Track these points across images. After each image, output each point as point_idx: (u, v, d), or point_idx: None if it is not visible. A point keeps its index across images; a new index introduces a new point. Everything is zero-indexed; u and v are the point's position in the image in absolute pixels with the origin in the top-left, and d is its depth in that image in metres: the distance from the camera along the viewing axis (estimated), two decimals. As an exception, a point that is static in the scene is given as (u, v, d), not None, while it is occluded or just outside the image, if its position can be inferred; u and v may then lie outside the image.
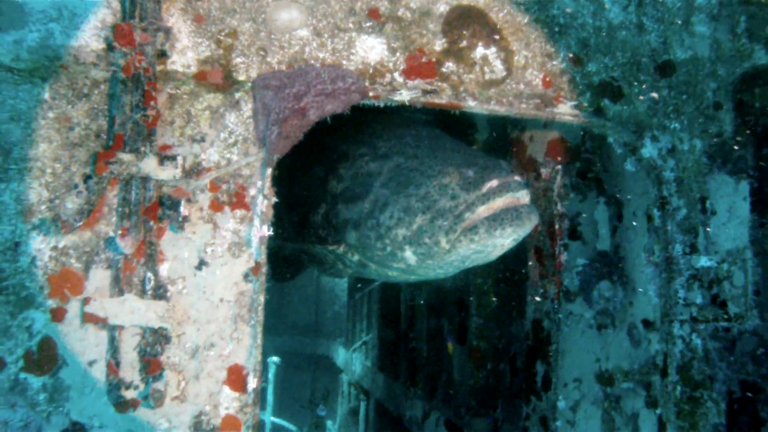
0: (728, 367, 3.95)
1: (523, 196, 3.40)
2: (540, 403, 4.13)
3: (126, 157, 2.60)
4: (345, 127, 3.84)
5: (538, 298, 4.23)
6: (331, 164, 4.12)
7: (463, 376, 6.00)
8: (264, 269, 2.73)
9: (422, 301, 7.14)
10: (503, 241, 3.41)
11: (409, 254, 3.62)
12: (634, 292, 4.00)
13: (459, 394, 6.12)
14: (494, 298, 5.56)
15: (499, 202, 3.36)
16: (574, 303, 4.12)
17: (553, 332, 4.06)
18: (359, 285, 6.47)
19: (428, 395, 6.77)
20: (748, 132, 3.76)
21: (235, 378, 2.69)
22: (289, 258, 4.93)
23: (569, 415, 4.09)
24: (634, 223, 4.04)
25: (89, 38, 2.64)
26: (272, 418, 10.61)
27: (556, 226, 4.09)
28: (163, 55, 2.67)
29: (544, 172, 4.14)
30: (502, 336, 5.54)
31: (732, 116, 3.59)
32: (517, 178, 3.41)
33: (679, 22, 3.53)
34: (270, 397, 10.54)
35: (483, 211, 3.36)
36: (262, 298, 2.73)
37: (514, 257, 5.38)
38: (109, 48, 2.62)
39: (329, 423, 10.45)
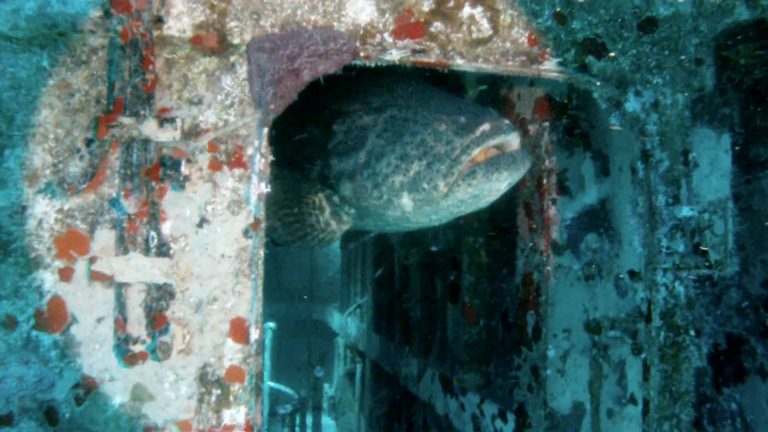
0: (714, 320, 4.11)
1: (514, 138, 3.56)
2: (531, 353, 4.28)
3: (126, 120, 2.68)
4: (337, 87, 3.93)
5: (527, 252, 4.36)
6: (324, 123, 4.22)
7: (457, 333, 6.15)
8: (263, 225, 2.83)
9: (416, 262, 7.26)
10: (499, 185, 3.56)
11: (406, 201, 3.74)
12: (621, 245, 4.13)
13: (453, 351, 6.27)
14: (485, 256, 5.68)
15: (491, 144, 3.50)
16: (563, 256, 4.25)
17: (543, 284, 4.19)
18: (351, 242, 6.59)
19: (423, 354, 6.92)
20: (731, 88, 3.86)
21: (238, 330, 2.81)
22: None
23: (559, 364, 4.24)
24: (620, 177, 4.16)
25: (86, 6, 2.71)
26: (270, 383, 10.81)
27: (544, 182, 4.20)
28: (159, 20, 2.74)
29: (531, 129, 4.24)
30: (493, 292, 5.68)
31: (713, 71, 3.68)
32: (507, 121, 3.54)
33: (661, -21, 3.61)
34: (267, 362, 10.71)
35: (478, 153, 3.47)
36: (261, 253, 2.84)
37: (503, 214, 5.51)
38: (107, 15, 2.69)
39: (326, 386, 10.64)
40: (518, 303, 4.47)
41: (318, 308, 13.53)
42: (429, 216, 3.93)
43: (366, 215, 4.17)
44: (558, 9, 3.35)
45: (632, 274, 4.02)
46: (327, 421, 10.18)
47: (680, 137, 3.61)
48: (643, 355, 3.60)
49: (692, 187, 3.64)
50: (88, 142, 2.74)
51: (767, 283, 4.88)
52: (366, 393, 9.11)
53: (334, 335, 11.54)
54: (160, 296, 2.74)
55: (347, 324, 10.37)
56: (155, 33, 2.74)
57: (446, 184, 3.56)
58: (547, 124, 4.21)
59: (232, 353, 2.82)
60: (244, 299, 2.82)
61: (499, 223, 5.62)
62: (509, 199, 5.45)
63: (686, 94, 3.62)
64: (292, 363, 12.98)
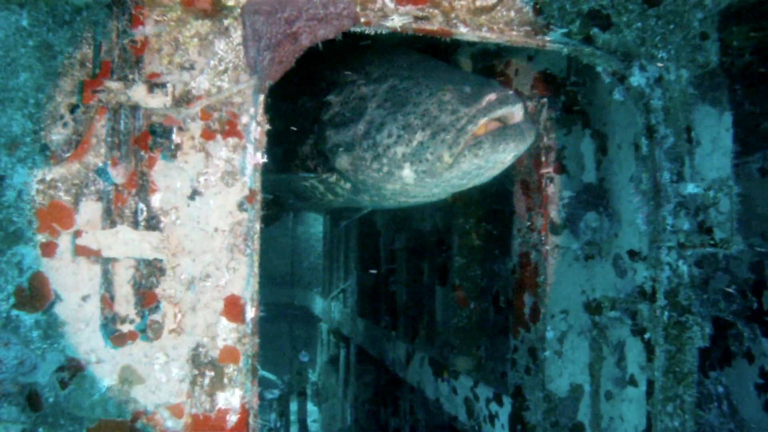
0: (701, 304, 4.03)
1: (519, 110, 3.46)
2: (528, 335, 4.18)
3: (114, 85, 2.52)
4: (333, 57, 3.78)
5: (524, 231, 4.25)
6: (319, 93, 4.07)
7: (446, 316, 6.06)
8: (259, 197, 2.69)
9: (402, 245, 7.15)
10: (505, 156, 3.46)
11: (407, 172, 3.61)
12: (620, 224, 4.03)
13: (442, 335, 6.18)
14: (476, 238, 5.58)
15: (497, 114, 3.39)
16: (561, 235, 4.15)
17: (541, 264, 4.09)
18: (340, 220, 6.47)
19: (410, 337, 6.83)
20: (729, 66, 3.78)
21: (233, 308, 2.67)
22: (270, 201, 4.89)
23: (557, 346, 4.15)
24: (620, 155, 4.06)
25: (70, -39, 2.54)
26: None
27: (543, 159, 4.09)
28: (148, -21, 2.58)
29: (529, 105, 4.12)
30: (484, 275, 5.59)
31: (718, 47, 3.58)
32: (512, 92, 3.43)
33: (667, -51, 3.50)
34: (249, 347, 10.52)
35: (484, 123, 3.35)
36: (257, 227, 2.70)
37: (495, 196, 5.41)
38: (92, -29, 2.53)
39: (309, 370, 10.53)
40: (515, 283, 4.37)
41: (300, 293, 13.39)
42: (430, 189, 3.80)
43: (363, 190, 4.02)
44: (563, -23, 3.23)
45: (632, 253, 3.93)
46: (310, 407, 10.06)
47: (683, 114, 3.52)
48: (647, 335, 3.51)
49: (695, 165, 3.55)
50: (72, 108, 2.58)
51: (755, 267, 4.84)
52: (350, 378, 9.00)
53: (316, 321, 11.40)
54: (149, 272, 2.59)
55: (330, 309, 10.24)
56: (144, -8, 2.57)
57: (451, 154, 3.43)
58: (545, 100, 4.10)
59: (227, 333, 2.68)
60: (239, 276, 2.67)
61: (490, 204, 5.52)
62: (501, 180, 5.37)
63: (690, 69, 3.52)
64: (273, 349, 12.84)
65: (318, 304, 11.36)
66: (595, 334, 4.03)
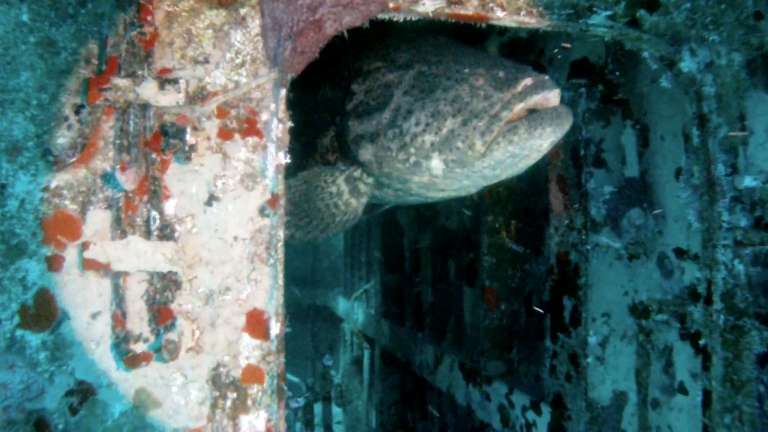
0: (759, 306, 3.73)
1: (556, 96, 3.20)
2: (569, 340, 3.93)
3: (122, 82, 2.30)
4: (356, 44, 3.53)
5: (562, 230, 4.00)
6: (340, 82, 3.83)
7: (475, 318, 5.84)
8: (282, 201, 2.46)
9: (427, 244, 6.93)
10: (542, 142, 3.19)
11: (436, 162, 3.38)
12: (664, 220, 3.77)
13: (471, 337, 5.96)
14: (506, 236, 5.35)
15: (535, 100, 3.15)
16: (601, 233, 3.90)
17: (582, 264, 3.84)
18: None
19: (437, 339, 6.62)
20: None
21: (256, 324, 2.45)
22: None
23: (598, 351, 3.90)
24: (663, 147, 3.79)
25: (72, -52, 2.32)
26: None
27: (582, 153, 3.83)
28: (157, -34, 2.35)
29: (566, 96, 3.86)
30: (515, 275, 5.36)
31: (774, 27, 3.31)
32: (548, 77, 3.19)
33: None
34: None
35: (520, 109, 3.14)
36: (281, 234, 2.47)
37: (524, 192, 5.17)
38: (96, -43, 2.30)
39: (333, 373, 10.33)
40: (552, 285, 4.12)
41: (321, 293, 13.18)
42: (459, 181, 3.55)
43: (387, 183, 3.77)
44: (606, -46, 2.97)
45: (679, 252, 3.66)
46: (334, 409, 9.85)
47: (736, 101, 3.25)
48: (701, 341, 3.25)
49: (748, 156, 3.28)
50: (78, 109, 2.36)
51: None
52: (375, 380, 8.79)
53: (339, 321, 11.18)
54: (164, 286, 2.37)
55: (353, 309, 10.03)
56: (153, -20, 2.34)
57: (484, 142, 3.18)
58: (583, 90, 3.84)
59: (249, 350, 2.46)
60: (262, 288, 2.45)
61: (521, 201, 5.28)
62: (532, 175, 5.12)
63: (743, 52, 3.25)
64: (296, 350, 12.65)
65: (340, 305, 11.15)
66: (641, 339, 3.77)
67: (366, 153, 3.60)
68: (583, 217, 3.83)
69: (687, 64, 3.13)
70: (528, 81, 3.16)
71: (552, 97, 3.18)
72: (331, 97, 3.90)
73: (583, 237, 3.82)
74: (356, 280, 10.37)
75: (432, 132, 3.30)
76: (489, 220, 5.34)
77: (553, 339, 4.06)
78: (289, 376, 10.80)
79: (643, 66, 3.74)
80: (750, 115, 3.29)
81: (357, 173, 3.82)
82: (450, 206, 6.23)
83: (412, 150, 3.39)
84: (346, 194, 3.93)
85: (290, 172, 3.61)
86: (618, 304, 3.92)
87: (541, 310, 4.79)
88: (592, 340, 3.82)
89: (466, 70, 3.31)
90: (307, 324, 13.37)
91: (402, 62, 3.61)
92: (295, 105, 3.40)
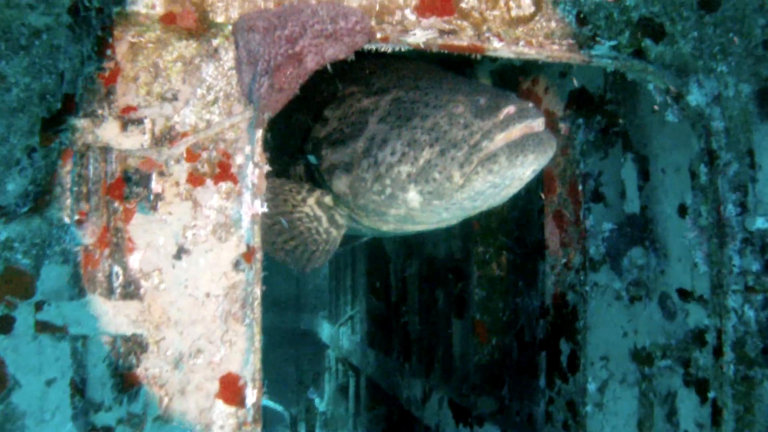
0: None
1: (540, 125, 3.00)
2: (566, 386, 3.71)
3: (79, 122, 2.06)
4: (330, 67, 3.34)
5: (559, 269, 3.79)
6: (314, 108, 3.62)
7: (465, 350, 5.63)
8: (259, 255, 2.23)
9: (415, 272, 6.73)
10: (524, 171, 3.00)
11: (413, 195, 3.18)
12: (667, 259, 3.57)
13: (460, 370, 5.75)
14: (497, 268, 5.15)
15: (517, 130, 2.95)
16: (599, 272, 3.69)
17: (580, 307, 3.63)
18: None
19: (425, 371, 6.40)
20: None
21: (230, 390, 2.20)
22: None
23: (597, 397, 3.68)
24: (665, 181, 3.60)
25: (24, -26, 2.09)
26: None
27: (580, 188, 3.63)
28: (120, -8, 2.12)
29: (563, 127, 3.67)
30: (506, 308, 5.16)
31: (783, 57, 3.14)
32: (531, 104, 3.00)
33: (721, -54, 3.06)
34: (253, 376, 10.06)
35: (501, 139, 2.94)
36: (257, 291, 2.24)
37: (516, 221, 4.97)
38: (50, -16, 2.07)
39: (317, 400, 10.07)
40: (548, 327, 3.90)
41: (306, 317, 12.90)
42: (438, 213, 3.35)
43: (363, 215, 3.56)
44: (609, -19, 2.78)
45: (683, 293, 3.46)
46: (318, 437, 9.59)
47: (744, 135, 3.06)
48: (711, 394, 3.03)
49: (757, 194, 3.09)
50: (30, 152, 2.11)
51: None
52: (361, 410, 8.55)
53: (323, 347, 10.92)
54: (128, 350, 2.13)
55: (339, 336, 9.78)
56: (116, 9, 2.11)
57: (462, 174, 3.00)
58: (581, 120, 3.64)
59: (224, 419, 2.21)
60: (237, 350, 2.21)
61: (513, 231, 5.08)
62: (524, 204, 4.92)
63: (752, 84, 3.07)
64: (279, 376, 12.35)
65: (325, 330, 10.91)
66: (643, 385, 3.56)
67: (340, 184, 3.40)
68: (581, 255, 3.62)
69: (695, 97, 2.94)
70: (510, 109, 2.98)
71: (536, 126, 3.00)
72: (303, 124, 3.68)
73: (581, 277, 3.61)
74: (342, 305, 10.17)
75: (408, 162, 3.11)
76: (479, 251, 5.15)
77: (549, 384, 3.84)
78: (273, 405, 10.51)
79: (643, 95, 3.56)
80: (758, 149, 3.11)
81: (327, 199, 3.61)
82: (438, 233, 6.04)
83: (388, 181, 3.20)
84: (325, 222, 3.71)
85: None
86: (617, 346, 3.71)
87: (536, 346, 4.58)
88: (591, 387, 3.60)
89: (446, 97, 3.14)
90: (291, 349, 13.09)
91: (378, 87, 3.42)
92: (268, 131, 3.17)
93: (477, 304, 5.13)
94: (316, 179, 3.67)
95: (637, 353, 3.53)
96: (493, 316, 5.15)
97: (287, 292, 13.37)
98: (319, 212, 3.73)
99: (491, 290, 5.13)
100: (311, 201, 3.70)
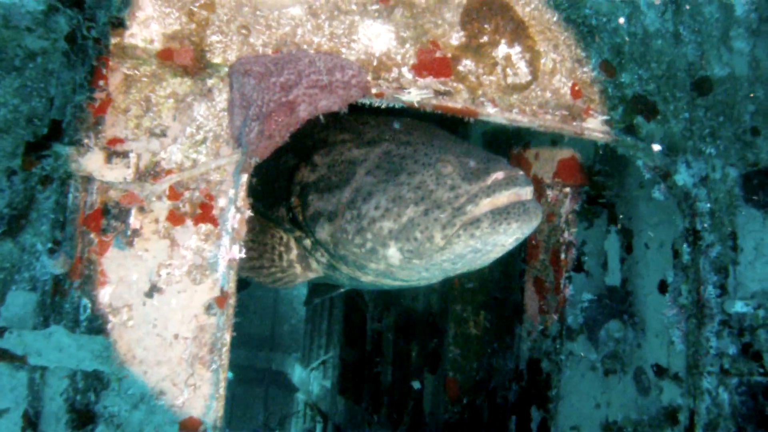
0: None
1: (528, 193, 2.95)
2: (535, 457, 3.65)
3: (64, 150, 2.04)
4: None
5: (535, 335, 3.76)
6: (304, 151, 3.59)
7: (435, 407, 5.55)
8: (232, 301, 2.18)
9: (391, 323, 6.67)
10: (506, 239, 2.94)
11: (392, 251, 3.12)
12: (644, 333, 3.55)
13: (430, 427, 5.66)
14: (473, 327, 5.10)
15: (504, 197, 2.90)
16: (576, 342, 3.66)
17: (554, 375, 3.59)
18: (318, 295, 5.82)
19: (393, 423, 6.29)
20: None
21: (190, 435, 2.14)
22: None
23: (565, 469, 3.62)
24: (646, 256, 3.60)
25: (25, -4, 2.08)
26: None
27: (562, 257, 3.62)
28: (120, 24, 2.12)
29: (551, 194, 3.67)
30: (480, 368, 5.09)
31: (770, 144, 3.18)
32: (521, 172, 2.95)
33: (717, 35, 3.11)
34: (219, 413, 9.87)
35: (486, 204, 2.89)
36: (227, 337, 2.18)
37: (496, 282, 4.94)
38: (50, 10, 2.06)
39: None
40: (520, 392, 3.85)
41: (278, 358, 12.73)
42: (418, 272, 3.30)
43: (343, 265, 3.52)
44: (606, 57, 2.81)
45: (658, 370, 3.43)
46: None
47: (728, 218, 3.08)
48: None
49: (737, 276, 3.10)
50: (10, 174, 2.08)
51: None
52: (326, 459, 8.38)
53: (293, 389, 10.76)
54: (88, 386, 2.06)
55: (309, 380, 9.64)
56: (113, 40, 2.10)
57: (444, 235, 2.95)
58: (568, 189, 3.65)
59: (180, 467, 2.14)
60: (201, 395, 2.15)
61: (492, 293, 5.05)
62: (505, 265, 4.89)
63: (739, 167, 3.10)
64: (245, 415, 12.14)
65: (297, 372, 10.77)
66: (613, 461, 3.50)
67: (323, 232, 3.36)
68: (558, 323, 3.59)
69: (682, 177, 2.96)
70: (499, 175, 2.93)
71: (524, 194, 2.95)
72: (292, 167, 3.65)
73: (557, 345, 3.58)
74: (315, 348, 10.04)
75: (391, 219, 3.07)
76: (457, 309, 5.10)
77: (518, 452, 3.78)
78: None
79: (632, 169, 3.58)
80: (741, 232, 3.12)
81: (307, 242, 3.56)
82: (417, 287, 5.99)
83: (369, 236, 3.15)
84: (294, 254, 3.66)
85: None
86: (589, 418, 3.66)
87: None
88: (561, 459, 3.54)
89: (436, 155, 3.09)
90: (260, 388, 12.90)
91: (369, 138, 3.39)
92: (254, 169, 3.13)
93: (451, 362, 5.06)
94: (299, 223, 3.63)
95: (608, 427, 3.49)
96: (466, 374, 5.07)
97: (261, 330, 13.24)
98: (292, 244, 3.69)
99: (466, 349, 5.07)
100: (290, 235, 3.66)
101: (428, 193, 3.02)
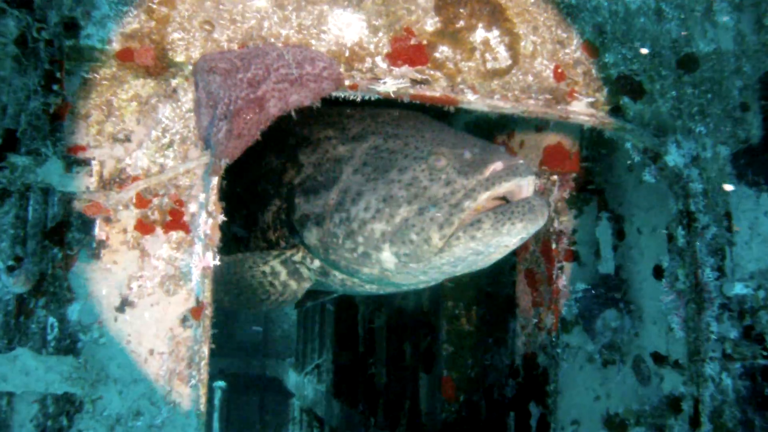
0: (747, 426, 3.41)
1: (530, 183, 2.76)
2: (536, 453, 3.55)
3: (20, 160, 1.92)
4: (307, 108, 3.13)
5: (530, 329, 3.66)
6: (288, 151, 3.41)
7: (432, 407, 5.46)
8: (209, 311, 2.07)
9: (383, 323, 6.57)
10: (510, 239, 2.75)
11: (387, 255, 2.91)
12: (642, 321, 3.46)
13: (427, 427, 5.57)
14: (467, 323, 5.01)
15: (504, 188, 2.71)
16: (572, 334, 3.57)
17: (551, 369, 3.49)
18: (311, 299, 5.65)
19: (390, 425, 6.20)
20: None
21: (171, 457, 2.02)
22: None
23: (567, 464, 3.53)
24: (640, 241, 3.51)
25: (-30, 0, 1.95)
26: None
27: (554, 246, 3.52)
28: (74, 25, 2.00)
29: (538, 183, 3.57)
30: (475, 365, 5.01)
31: (760, 119, 3.08)
32: (522, 161, 2.75)
33: (701, 10, 3.02)
34: (216, 424, 9.80)
35: (486, 199, 2.70)
36: (205, 350, 2.07)
37: (489, 277, 4.84)
38: (-2, 13, 1.94)
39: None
40: (517, 388, 3.76)
41: (272, 364, 12.60)
42: (415, 276, 3.10)
43: (335, 271, 3.35)
44: (588, 37, 2.71)
45: (658, 358, 3.34)
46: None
47: (722, 198, 2.99)
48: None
49: (734, 257, 3.01)
50: (-35, 191, 1.96)
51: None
52: (325, 465, 8.29)
53: (288, 395, 10.65)
54: (59, 410, 1.95)
55: (304, 385, 9.54)
56: (68, 42, 1.98)
57: (442, 236, 2.75)
58: (556, 177, 3.55)
59: (162, 490, 2.02)
60: (181, 413, 2.03)
61: (483, 286, 4.95)
62: (499, 263, 4.80)
63: (730, 145, 3.01)
64: (241, 424, 12.01)
65: (291, 378, 10.66)
66: (616, 453, 3.41)
67: (311, 237, 3.15)
68: (553, 316, 3.49)
69: (673, 158, 2.87)
70: (498, 165, 2.73)
71: (525, 185, 2.75)
72: (276, 167, 3.47)
73: (553, 338, 3.48)
74: (309, 352, 9.97)
75: (383, 220, 2.87)
76: (449, 306, 5.01)
77: (518, 449, 3.69)
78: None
79: (620, 153, 3.48)
80: (735, 212, 3.03)
81: (297, 257, 3.39)
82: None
83: (360, 239, 2.95)
84: (284, 275, 3.46)
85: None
86: (589, 411, 3.57)
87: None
88: (562, 454, 3.45)
89: (427, 148, 2.90)
90: (255, 396, 12.78)
91: (355, 133, 3.19)
92: (234, 172, 2.95)
93: (445, 360, 4.98)
94: (288, 227, 3.45)
95: (610, 419, 3.39)
96: (461, 372, 4.99)
97: (254, 337, 13.11)
98: (279, 268, 3.50)
99: (460, 346, 4.98)
100: (275, 261, 3.47)
101: (422, 190, 2.83)
